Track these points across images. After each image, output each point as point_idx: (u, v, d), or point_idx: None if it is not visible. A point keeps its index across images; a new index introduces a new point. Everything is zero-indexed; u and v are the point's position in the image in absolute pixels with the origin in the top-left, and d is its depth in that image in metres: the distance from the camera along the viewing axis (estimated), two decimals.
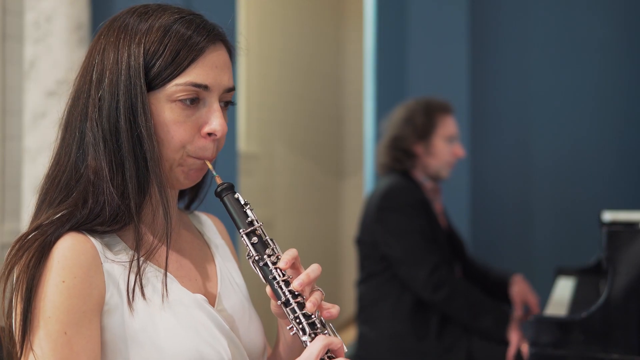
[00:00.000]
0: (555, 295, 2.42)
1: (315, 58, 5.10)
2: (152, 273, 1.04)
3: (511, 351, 2.32)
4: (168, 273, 1.06)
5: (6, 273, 0.98)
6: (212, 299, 1.11)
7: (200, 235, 1.22)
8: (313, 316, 1.00)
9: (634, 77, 3.44)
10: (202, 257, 1.17)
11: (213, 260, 1.19)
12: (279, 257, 1.03)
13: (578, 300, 2.31)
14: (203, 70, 1.03)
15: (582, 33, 3.51)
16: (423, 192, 2.53)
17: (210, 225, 1.27)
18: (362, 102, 4.46)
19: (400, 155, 2.57)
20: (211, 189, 1.21)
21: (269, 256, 1.03)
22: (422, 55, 3.54)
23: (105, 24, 1.07)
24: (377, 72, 3.71)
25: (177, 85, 1.01)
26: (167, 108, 1.02)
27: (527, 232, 3.53)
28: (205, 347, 1.02)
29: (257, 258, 1.03)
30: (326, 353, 0.98)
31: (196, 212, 1.27)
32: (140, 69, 1.00)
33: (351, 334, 4.28)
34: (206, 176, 1.18)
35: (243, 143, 3.91)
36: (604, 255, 1.77)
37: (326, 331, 1.01)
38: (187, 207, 1.24)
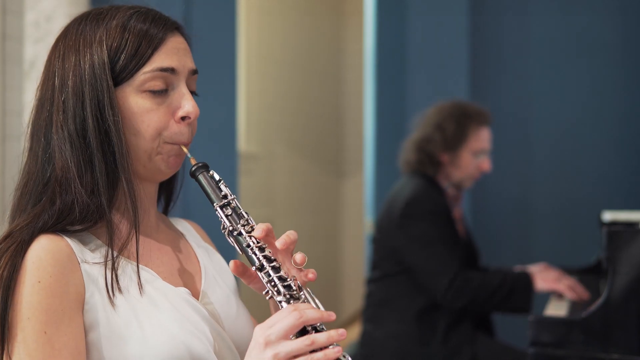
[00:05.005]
0: (555, 295, 2.42)
1: (315, 58, 5.10)
2: (128, 267, 1.05)
3: (568, 293, 2.29)
4: (149, 269, 1.07)
5: None
6: (196, 294, 1.12)
7: (182, 235, 1.24)
8: (289, 279, 1.01)
9: (634, 77, 3.43)
10: (184, 255, 1.18)
11: (196, 257, 1.20)
12: (254, 227, 1.04)
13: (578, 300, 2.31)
14: (167, 56, 1.06)
15: (582, 33, 3.50)
16: (445, 199, 2.48)
17: (190, 230, 1.28)
18: (362, 102, 4.47)
19: (425, 159, 2.50)
20: (186, 191, 1.23)
21: (243, 226, 1.04)
22: (422, 55, 3.53)
23: (61, 32, 1.11)
24: (377, 72, 3.70)
25: (144, 74, 1.04)
26: (138, 98, 1.05)
27: (527, 232, 3.53)
28: (191, 339, 1.03)
29: (231, 229, 1.04)
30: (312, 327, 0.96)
31: (177, 218, 1.28)
32: (106, 65, 1.03)
33: (354, 332, 4.28)
34: (176, 178, 1.20)
35: (243, 143, 3.91)
36: (604, 255, 1.78)
37: (302, 293, 1.01)
38: (165, 211, 1.25)
